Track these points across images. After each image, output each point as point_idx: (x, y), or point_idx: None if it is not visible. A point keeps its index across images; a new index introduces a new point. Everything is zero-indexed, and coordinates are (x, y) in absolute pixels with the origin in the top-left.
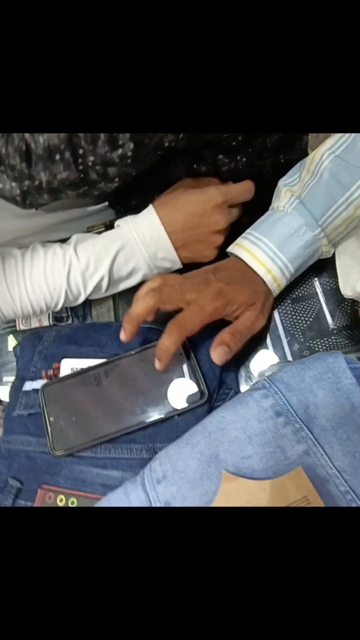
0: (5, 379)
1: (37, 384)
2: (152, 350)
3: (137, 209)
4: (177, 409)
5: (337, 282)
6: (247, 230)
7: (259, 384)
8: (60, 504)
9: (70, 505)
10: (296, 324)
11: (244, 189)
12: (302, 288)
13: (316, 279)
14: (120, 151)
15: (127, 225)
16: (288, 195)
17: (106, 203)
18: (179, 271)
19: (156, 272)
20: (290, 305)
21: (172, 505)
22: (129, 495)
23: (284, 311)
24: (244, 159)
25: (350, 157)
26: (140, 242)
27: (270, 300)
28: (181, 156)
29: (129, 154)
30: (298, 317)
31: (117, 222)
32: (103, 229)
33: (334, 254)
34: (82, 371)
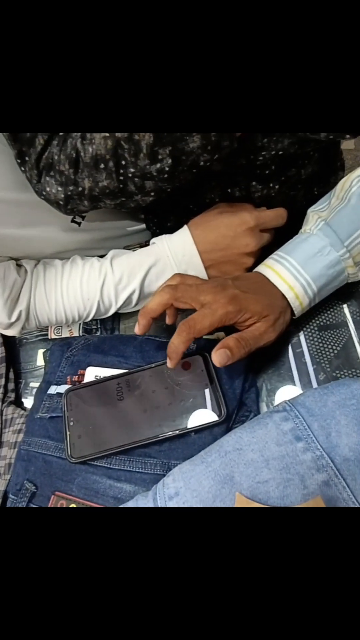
0: (32, 384)
1: (62, 388)
2: None
3: (172, 230)
4: (194, 426)
5: None
6: (274, 252)
7: (279, 406)
8: None
9: None
10: (323, 352)
11: (276, 215)
12: (330, 315)
13: (345, 306)
14: (159, 165)
15: (162, 243)
16: (315, 218)
17: (143, 225)
18: None
19: None
20: (317, 332)
21: None
22: None
23: (311, 338)
24: (277, 187)
25: None
26: (173, 260)
27: (286, 318)
28: (216, 180)
29: (167, 169)
30: (325, 345)
31: (152, 240)
32: (139, 247)
33: None
34: (105, 379)
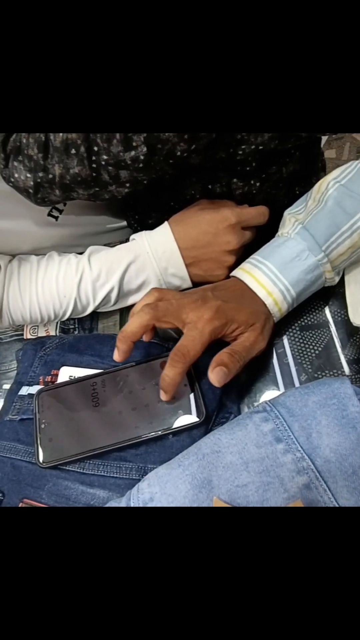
0: (5, 386)
1: (34, 389)
2: (151, 364)
3: (153, 227)
4: (172, 427)
5: (346, 313)
6: (251, 256)
7: (259, 406)
8: None
9: None
10: (304, 352)
11: (258, 213)
12: (312, 316)
13: (327, 307)
14: (133, 153)
15: (142, 239)
16: (292, 221)
17: (124, 222)
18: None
19: (166, 287)
20: (298, 332)
21: None
22: None
23: (293, 338)
24: (258, 184)
25: (355, 186)
26: (152, 256)
27: (271, 324)
28: (197, 175)
29: (142, 157)
30: (307, 346)
31: (132, 236)
32: (119, 244)
33: (344, 283)
34: (79, 379)
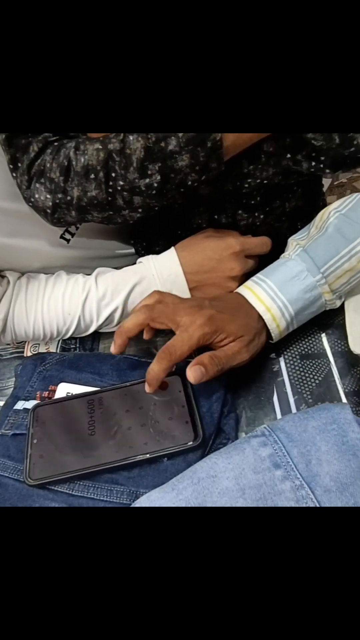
0: (1, 403)
1: (30, 404)
2: None
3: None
4: (167, 449)
5: (346, 344)
6: (254, 275)
7: (258, 431)
8: None
9: None
10: (304, 381)
11: (261, 243)
12: (311, 345)
13: (324, 336)
14: (147, 180)
15: (148, 262)
16: (294, 244)
17: (132, 250)
18: None
19: None
20: (298, 360)
21: None
22: None
23: (292, 366)
24: (262, 217)
25: (354, 215)
26: (158, 278)
27: (261, 340)
28: (204, 205)
29: (155, 185)
30: (306, 375)
31: (139, 260)
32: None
33: (343, 311)
34: (76, 396)
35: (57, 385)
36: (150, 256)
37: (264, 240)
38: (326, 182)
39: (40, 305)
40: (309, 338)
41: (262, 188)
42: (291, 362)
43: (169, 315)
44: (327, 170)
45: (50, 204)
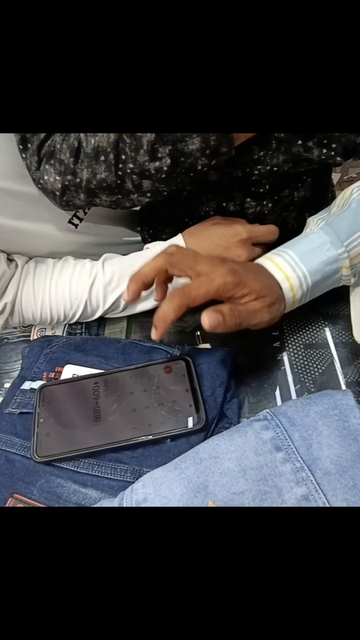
0: (7, 385)
1: (36, 384)
2: (154, 367)
3: None
4: (170, 431)
5: (350, 335)
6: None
7: (260, 415)
8: None
9: None
10: (307, 370)
11: (268, 231)
12: (314, 335)
13: (328, 327)
14: (157, 164)
15: (155, 248)
16: (316, 220)
17: (139, 237)
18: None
19: None
20: (302, 350)
21: None
22: None
23: (295, 354)
24: (270, 205)
25: None
26: None
27: (281, 307)
28: (212, 192)
29: (165, 168)
30: (310, 364)
31: (146, 246)
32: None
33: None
34: (82, 377)
35: (63, 366)
36: (157, 242)
37: (271, 228)
38: (335, 176)
39: (47, 288)
40: (313, 328)
41: (272, 176)
42: (295, 351)
43: (189, 262)
44: (338, 158)
45: (59, 185)
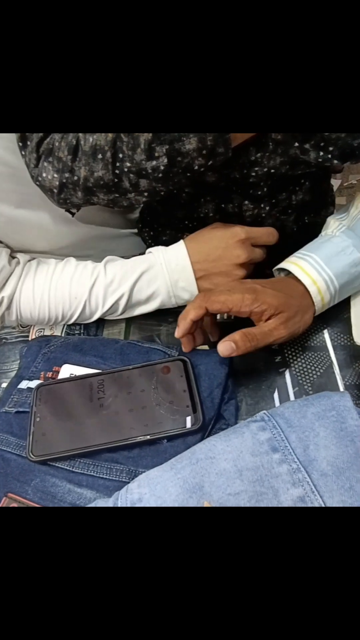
0: (4, 385)
1: (34, 383)
2: (152, 367)
3: (167, 244)
4: (167, 431)
5: (349, 338)
6: (297, 251)
7: (257, 416)
8: None
9: None
10: (306, 373)
11: (267, 232)
12: (313, 337)
13: (327, 330)
14: (154, 163)
15: (157, 252)
16: (337, 223)
17: (136, 230)
18: None
19: (174, 301)
20: (300, 352)
21: None
22: None
23: (294, 357)
24: (267, 208)
25: None
26: (165, 268)
27: (305, 318)
28: (211, 194)
29: (162, 167)
30: (308, 367)
31: (148, 250)
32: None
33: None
34: (79, 377)
35: (60, 366)
36: (160, 247)
37: (270, 230)
38: (335, 183)
39: (47, 286)
40: (312, 331)
41: (269, 178)
42: (293, 353)
43: (218, 295)
44: (335, 161)
45: (57, 183)
